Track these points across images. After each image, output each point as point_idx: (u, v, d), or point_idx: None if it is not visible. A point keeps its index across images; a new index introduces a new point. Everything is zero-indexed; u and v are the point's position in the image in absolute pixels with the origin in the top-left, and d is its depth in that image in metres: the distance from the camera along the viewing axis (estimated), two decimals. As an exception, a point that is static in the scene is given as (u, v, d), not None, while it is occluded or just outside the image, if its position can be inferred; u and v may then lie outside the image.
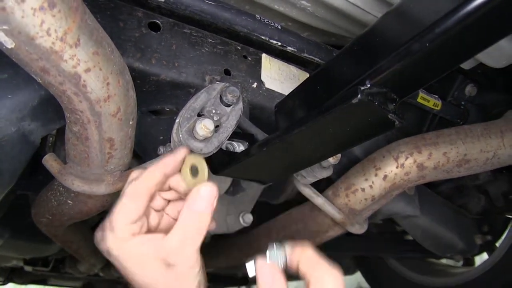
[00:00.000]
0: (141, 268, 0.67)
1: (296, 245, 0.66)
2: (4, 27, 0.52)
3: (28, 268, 3.15)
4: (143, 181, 0.70)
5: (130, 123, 0.74)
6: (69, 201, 0.96)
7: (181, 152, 0.75)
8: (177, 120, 0.79)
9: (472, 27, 0.49)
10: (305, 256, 0.64)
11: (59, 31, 0.55)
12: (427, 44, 0.52)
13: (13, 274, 3.49)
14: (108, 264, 2.64)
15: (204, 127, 0.75)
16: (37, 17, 0.52)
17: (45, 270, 3.18)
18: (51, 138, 1.15)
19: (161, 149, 1.02)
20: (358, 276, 2.56)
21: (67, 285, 4.01)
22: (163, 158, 0.74)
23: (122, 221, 0.67)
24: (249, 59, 1.07)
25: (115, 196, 1.09)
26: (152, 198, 0.72)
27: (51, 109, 0.85)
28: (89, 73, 0.60)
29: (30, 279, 3.66)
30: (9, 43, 0.54)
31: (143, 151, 1.09)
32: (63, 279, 3.75)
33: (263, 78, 1.07)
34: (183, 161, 0.75)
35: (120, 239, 0.67)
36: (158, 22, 0.94)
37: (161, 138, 1.08)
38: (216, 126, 0.80)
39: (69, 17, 0.55)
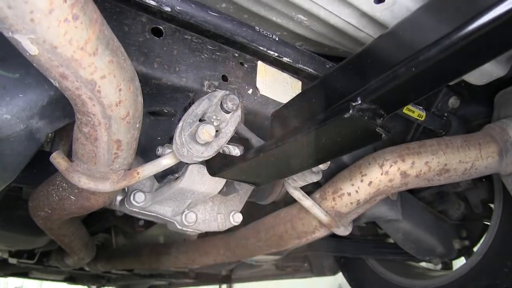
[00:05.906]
0: None
1: None
2: (31, 36, 0.56)
3: (12, 261, 3.11)
4: None
5: (137, 126, 0.79)
6: (72, 197, 1.00)
7: None
8: (180, 124, 0.84)
9: (453, 57, 0.55)
10: None
11: (80, 41, 0.59)
12: (413, 69, 0.58)
13: (-4, 267, 3.45)
14: (95, 259, 2.65)
15: (206, 132, 0.81)
16: (61, 28, 0.57)
17: (30, 262, 3.15)
18: (50, 135, 1.18)
19: (160, 149, 1.07)
20: (339, 277, 2.61)
21: (49, 278, 3.98)
22: None
23: None
24: (246, 66, 1.11)
25: (116, 193, 1.13)
26: None
27: (58, 108, 0.89)
28: (104, 80, 0.65)
29: (12, 271, 3.62)
30: (33, 50, 0.59)
31: (141, 151, 1.13)
32: (46, 272, 3.71)
33: (258, 84, 1.12)
34: None
35: None
36: (161, 28, 0.99)
37: (159, 138, 1.12)
38: (216, 131, 0.85)
39: (90, 28, 0.60)
